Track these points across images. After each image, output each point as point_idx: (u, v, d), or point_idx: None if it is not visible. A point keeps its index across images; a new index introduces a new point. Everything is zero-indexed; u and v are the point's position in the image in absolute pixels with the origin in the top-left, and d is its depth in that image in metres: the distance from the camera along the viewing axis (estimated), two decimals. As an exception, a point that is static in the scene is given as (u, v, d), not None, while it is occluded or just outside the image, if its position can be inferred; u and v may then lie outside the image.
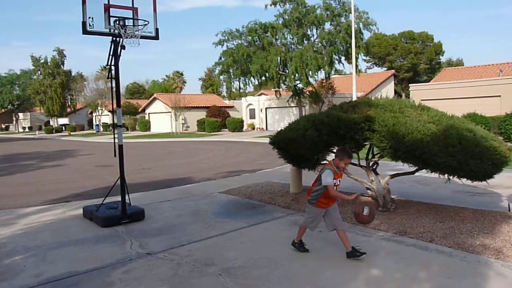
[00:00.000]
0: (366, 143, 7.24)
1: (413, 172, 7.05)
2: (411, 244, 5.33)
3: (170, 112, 42.39)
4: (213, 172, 13.31)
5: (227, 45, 31.82)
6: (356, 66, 27.71)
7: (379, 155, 7.10)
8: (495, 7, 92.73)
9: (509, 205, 7.02)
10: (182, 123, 44.94)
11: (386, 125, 6.17)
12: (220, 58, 32.20)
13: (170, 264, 4.92)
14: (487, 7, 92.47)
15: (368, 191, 7.38)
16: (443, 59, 57.05)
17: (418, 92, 28.26)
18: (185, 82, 77.36)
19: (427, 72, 53.86)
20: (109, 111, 50.77)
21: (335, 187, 4.81)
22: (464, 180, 6.40)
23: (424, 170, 6.61)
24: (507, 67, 31.52)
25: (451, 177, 6.31)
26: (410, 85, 31.76)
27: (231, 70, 31.90)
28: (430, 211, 6.82)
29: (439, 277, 4.29)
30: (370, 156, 7.42)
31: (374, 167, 7.39)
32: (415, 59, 52.12)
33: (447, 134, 5.86)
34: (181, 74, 77.25)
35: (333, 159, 4.93)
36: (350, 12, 28.74)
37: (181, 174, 13.23)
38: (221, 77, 33.04)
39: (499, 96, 24.08)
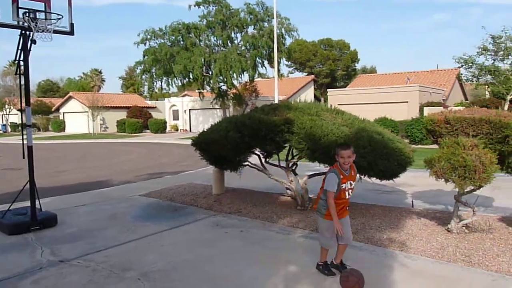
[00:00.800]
0: (286, 144, 7.49)
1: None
2: (326, 240, 5.61)
3: (87, 112, 40.21)
4: (133, 174, 12.88)
5: (149, 44, 31.01)
6: (278, 70, 28.54)
7: (298, 156, 7.38)
8: (404, 20, 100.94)
9: (412, 201, 7.68)
10: (101, 124, 42.86)
11: (304, 128, 6.44)
12: (143, 56, 31.27)
13: (85, 271, 4.69)
14: (398, 20, 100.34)
15: (288, 191, 7.65)
16: (358, 66, 60.76)
17: (336, 97, 29.81)
18: (104, 80, 73.79)
19: (344, 78, 56.97)
20: (18, 110, 46.72)
21: (346, 192, 4.16)
22: (374, 179, 6.90)
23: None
24: (413, 75, 34.44)
25: (362, 176, 6.76)
26: (328, 90, 33.40)
27: (153, 70, 31.11)
28: (344, 208, 7.23)
29: (351, 270, 4.57)
30: (289, 157, 7.70)
31: (293, 167, 7.67)
32: (333, 65, 54.91)
33: (358, 137, 6.27)
34: (100, 72, 73.54)
35: (337, 160, 4.23)
36: (273, 18, 29.53)
37: (99, 177, 12.62)
38: (143, 76, 32.09)
39: (407, 102, 26.21)
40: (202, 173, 12.42)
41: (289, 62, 57.41)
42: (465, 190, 5.66)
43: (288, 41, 32.57)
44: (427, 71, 36.58)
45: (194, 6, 30.71)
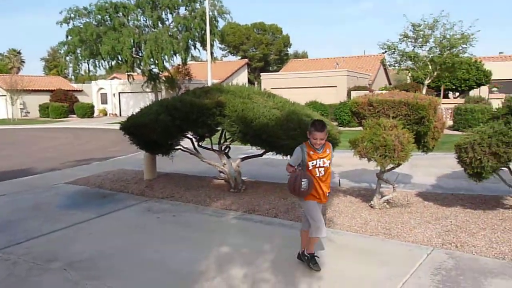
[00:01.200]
0: (218, 128, 7.48)
1: (261, 155, 7.55)
2: (258, 220, 5.75)
3: (5, 95, 37.09)
4: (58, 161, 12.16)
5: (73, 24, 29.08)
6: (212, 53, 28.18)
7: (230, 139, 7.41)
8: (334, 7, 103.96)
9: (339, 180, 8.07)
10: (21, 108, 39.76)
11: (236, 111, 6.46)
12: (67, 37, 29.28)
13: (4, 264, 4.40)
14: (328, 7, 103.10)
15: (221, 174, 7.68)
16: (290, 51, 61.80)
17: (269, 81, 30.18)
18: (23, 61, 68.24)
19: (277, 62, 57.71)
20: None
21: (316, 169, 4.00)
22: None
23: (271, 152, 7.16)
24: (342, 61, 35.76)
25: (293, 158, 6.96)
26: (261, 74, 33.69)
27: (78, 51, 29.29)
28: (276, 189, 7.44)
29: (282, 247, 4.73)
30: (222, 141, 7.71)
31: (226, 151, 7.70)
32: (266, 49, 55.35)
33: (289, 119, 6.42)
34: (18, 52, 67.87)
35: (308, 137, 4.10)
36: (205, -1, 28.97)
37: (20, 165, 11.77)
38: (67, 58, 30.13)
39: (336, 86, 27.21)
40: (133, 158, 12.05)
41: (223, 45, 56.95)
42: (386, 168, 6.07)
43: (221, 23, 32.31)
44: (355, 57, 38.17)
45: (122, -17, 29.22)
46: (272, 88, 27.11)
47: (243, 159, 7.63)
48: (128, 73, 32.80)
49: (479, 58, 24.58)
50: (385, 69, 36.06)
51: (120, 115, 38.51)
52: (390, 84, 35.23)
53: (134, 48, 29.15)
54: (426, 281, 3.79)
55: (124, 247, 4.84)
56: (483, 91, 26.53)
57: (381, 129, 5.40)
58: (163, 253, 4.66)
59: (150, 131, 6.87)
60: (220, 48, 57.46)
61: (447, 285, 3.71)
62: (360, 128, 6.24)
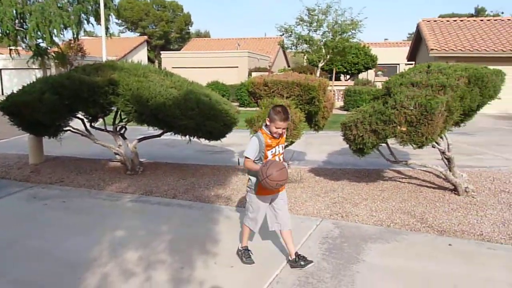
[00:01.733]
0: (112, 107, 7.12)
1: (159, 135, 7.37)
2: (156, 202, 5.64)
3: None
4: None
5: None
6: (107, 28, 26.44)
7: (126, 119, 7.10)
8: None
9: (238, 160, 8.24)
10: None
11: (131, 89, 6.19)
12: None
13: None
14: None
15: (117, 156, 7.35)
16: (192, 30, 60.59)
17: (170, 60, 29.37)
18: None
19: (178, 41, 56.25)
20: None
21: (276, 157, 3.63)
22: (203, 140, 7.14)
23: (169, 132, 7.02)
24: (243, 42, 36.11)
25: (192, 138, 6.92)
26: (162, 52, 32.64)
27: None
28: (175, 170, 7.35)
29: (180, 227, 4.72)
30: (117, 121, 7.35)
31: (121, 131, 7.38)
32: (167, 27, 53.55)
33: (187, 98, 6.34)
34: None
35: (265, 124, 3.68)
36: (98, -31, 26.88)
37: None
38: None
39: (237, 67, 27.47)
40: (16, 141, 10.94)
41: (120, 21, 53.84)
42: (281, 146, 6.32)
43: (117, -3, 30.34)
44: (256, 38, 38.80)
45: None
46: (173, 67, 26.48)
47: (140, 140, 7.38)
48: (11, 48, 29.39)
49: (367, 43, 26.64)
50: (284, 52, 37.27)
51: (2, 93, 34.53)
52: (289, 66, 36.57)
53: (17, 20, 26.13)
54: (315, 250, 4.08)
55: (7, 238, 4.42)
56: (370, 74, 28.94)
57: (275, 109, 5.60)
58: (51, 241, 4.35)
59: (33, 111, 6.27)
60: (117, 23, 54.36)
61: (333, 252, 4.04)
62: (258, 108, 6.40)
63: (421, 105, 4.80)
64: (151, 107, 6.10)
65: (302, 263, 3.67)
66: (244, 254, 3.84)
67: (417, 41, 23.29)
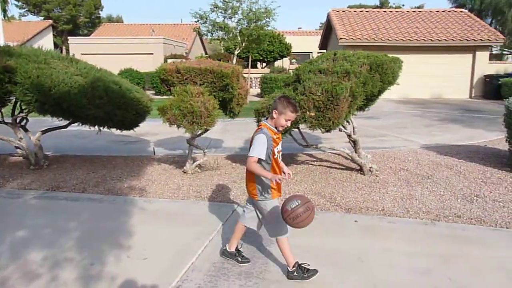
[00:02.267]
0: (10, 97, 6.54)
1: (65, 126, 6.92)
2: (63, 197, 5.31)
3: None
4: None
5: None
6: (5, 11, 23.97)
7: (26, 110, 6.55)
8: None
9: (154, 149, 8.03)
10: None
11: (30, 77, 5.71)
12: None
13: None
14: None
15: (18, 150, 6.77)
16: (103, 14, 57.23)
17: (78, 46, 27.54)
18: None
19: (87, 26, 52.83)
20: None
21: (279, 154, 3.32)
22: (115, 130, 6.84)
23: (76, 123, 6.62)
24: (158, 28, 34.97)
25: (102, 128, 6.59)
26: (69, 38, 30.49)
27: None
28: (85, 163, 6.97)
29: (90, 223, 4.50)
30: (17, 112, 6.76)
31: (22, 123, 6.81)
32: (74, 11, 49.96)
33: (94, 86, 6.01)
34: None
35: (267, 117, 3.33)
36: None
37: None
38: None
39: (152, 54, 26.57)
40: None
41: (20, 3, 49.18)
42: (197, 134, 6.29)
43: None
44: (171, 25, 37.78)
45: None
46: (82, 54, 24.89)
47: (44, 131, 6.85)
48: None
49: (282, 32, 27.25)
50: (201, 39, 36.82)
51: None
52: (206, 53, 36.24)
53: None
54: (230, 235, 4.13)
55: None
56: (286, 62, 29.73)
57: (188, 96, 5.53)
58: None
59: None
60: (17, 6, 49.68)
61: (249, 235, 4.12)
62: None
63: (328, 91, 5.03)
64: (54, 96, 5.69)
65: (306, 275, 3.29)
66: (239, 255, 3.58)
67: (327, 30, 24.36)
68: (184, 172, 6.32)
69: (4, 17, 23.12)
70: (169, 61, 22.55)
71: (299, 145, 6.34)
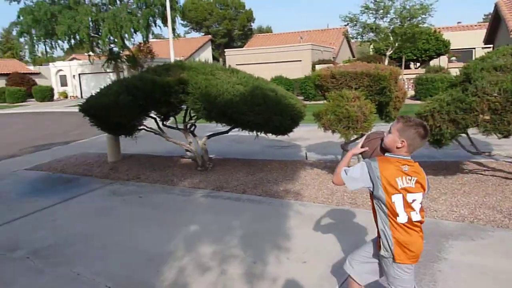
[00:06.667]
0: (183, 106, 7.35)
1: (227, 131, 7.49)
2: (226, 197, 5.74)
3: (-45, 81, 35.01)
4: (18, 147, 11.67)
5: (24, 2, 27.54)
6: (174, 30, 27.43)
7: (195, 117, 7.29)
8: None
9: (306, 154, 8.15)
10: (-26, 94, 37.69)
11: (199, 87, 6.34)
12: (18, 17, 27.71)
13: (-38, 257, 4.21)
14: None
15: (187, 152, 7.59)
16: (254, 26, 61.07)
17: (233, 57, 29.82)
18: (-27, 44, 64.33)
19: (241, 38, 56.98)
20: None
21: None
22: (270, 135, 7.14)
23: (237, 128, 7.11)
24: (306, 35, 35.71)
25: (259, 133, 6.95)
26: (225, 50, 33.23)
27: (33, 31, 27.83)
28: (244, 166, 7.43)
29: (251, 222, 4.76)
30: (187, 119, 7.58)
31: (191, 129, 7.59)
32: (230, 25, 54.47)
33: (253, 94, 6.36)
34: (-33, 34, 63.81)
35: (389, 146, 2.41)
36: (164, -26, 27.93)
37: (-26, 153, 11.21)
38: (21, 39, 28.63)
39: (300, 60, 27.21)
40: (96, 141, 11.72)
41: (185, 22, 55.62)
42: (350, 139, 6.14)
43: (182, -1, 31.40)
44: (318, 30, 38.16)
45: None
46: (237, 64, 26.85)
47: (209, 136, 7.54)
48: (88, 54, 31.58)
49: (438, 28, 25.09)
50: (348, 42, 36.31)
51: (82, 97, 37.20)
52: (354, 57, 35.59)
53: (92, 27, 27.99)
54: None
55: (90, 232, 4.73)
56: (443, 60, 27.23)
57: (343, 101, 5.44)
58: (130, 235, 4.58)
59: (110, 112, 6.65)
60: (182, 24, 56.17)
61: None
62: (325, 101, 6.27)
63: (507, 91, 4.39)
64: (219, 104, 6.20)
65: None
66: None
67: (495, 22, 21.54)
68: (338, 178, 6.23)
69: (173, 35, 26.44)
70: (317, 67, 22.77)
71: (468, 152, 5.69)
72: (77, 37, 27.99)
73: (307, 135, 10.04)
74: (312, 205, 5.24)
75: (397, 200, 2.32)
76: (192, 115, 7.49)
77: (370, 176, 2.36)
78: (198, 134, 7.68)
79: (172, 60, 22.55)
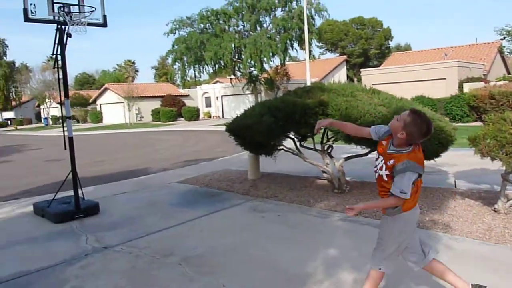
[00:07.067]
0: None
1: (366, 154, 7.25)
2: (365, 223, 5.52)
3: (123, 102, 41.14)
4: (170, 162, 13.11)
5: (179, 33, 31.21)
6: (310, 51, 28.02)
7: (333, 138, 7.25)
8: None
9: (455, 181, 7.41)
10: (136, 114, 43.77)
11: (339, 109, 6.30)
12: (173, 46, 31.53)
13: (128, 257, 4.81)
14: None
15: (324, 174, 7.55)
16: (392, 44, 58.97)
17: (369, 77, 29.09)
18: (137, 71, 75.13)
19: (377, 57, 55.47)
20: (58, 103, 48.45)
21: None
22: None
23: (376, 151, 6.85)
24: (451, 51, 33.05)
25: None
26: (361, 70, 32.64)
27: (185, 58, 31.32)
28: (383, 190, 7.08)
29: (393, 253, 4.47)
30: (324, 140, 7.58)
31: (329, 150, 7.55)
32: (366, 44, 53.52)
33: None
34: (133, 63, 74.89)
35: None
36: (302, -2, 28.92)
37: (136, 165, 12.93)
38: (175, 65, 32.42)
39: (445, 79, 25.22)
40: (236, 158, 12.48)
41: (320, 43, 56.45)
42: (514, 168, 5.39)
43: (318, 21, 32.07)
44: (465, 46, 34.96)
45: (221, -8, 30.55)
46: (373, 84, 26.03)
47: (346, 158, 7.41)
48: (230, 77, 34.17)
49: None
50: (502, 57, 32.49)
51: (223, 117, 40.31)
52: (509, 73, 31.62)
53: (234, 53, 30.28)
54: None
55: (233, 245, 4.99)
56: None
57: (507, 125, 4.82)
58: (270, 252, 4.70)
59: (254, 133, 7.01)
60: (318, 46, 57.09)
61: None
62: (477, 123, 5.65)
63: None
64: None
65: None
66: None
67: None
68: (495, 211, 5.51)
69: (309, 57, 27.00)
70: (465, 85, 20.80)
71: None
72: (221, 62, 30.56)
73: (454, 160, 9.16)
74: (465, 240, 4.70)
75: None
76: (329, 136, 7.47)
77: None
78: (334, 156, 7.61)
79: (308, 81, 23.00)
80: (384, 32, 54.72)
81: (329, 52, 58.73)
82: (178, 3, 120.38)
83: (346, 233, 5.24)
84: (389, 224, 3.08)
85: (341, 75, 42.76)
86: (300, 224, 5.73)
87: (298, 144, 7.77)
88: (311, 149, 7.66)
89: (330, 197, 6.91)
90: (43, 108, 52.89)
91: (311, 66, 25.31)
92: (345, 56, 48.70)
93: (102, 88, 49.62)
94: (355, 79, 47.39)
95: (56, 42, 6.49)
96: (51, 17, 6.33)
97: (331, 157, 7.54)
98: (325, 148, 7.50)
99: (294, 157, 7.89)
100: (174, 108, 40.41)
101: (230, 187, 8.21)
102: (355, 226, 5.44)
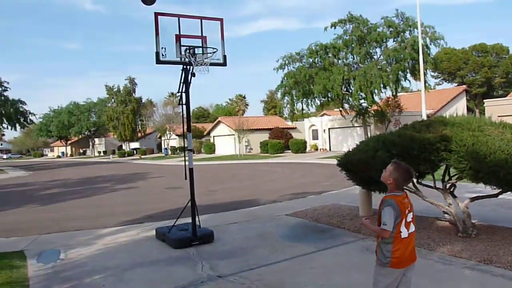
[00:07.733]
0: (441, 164, 6.85)
1: (496, 195, 6.51)
2: (498, 274, 4.87)
3: (234, 134, 43.26)
4: (278, 194, 13.25)
5: (288, 69, 32.23)
6: (425, 82, 26.61)
7: (457, 176, 6.65)
8: None
9: None
10: (246, 145, 45.59)
11: (465, 145, 5.79)
12: (282, 80, 32.59)
13: (241, 288, 4.89)
14: None
15: (446, 215, 6.93)
16: (521, 71, 53.20)
17: (494, 108, 26.51)
18: (247, 104, 78.97)
19: (502, 86, 50.43)
20: (177, 135, 52.94)
21: (411, 224, 3.34)
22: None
23: (509, 192, 6.10)
24: None
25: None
26: (484, 100, 29.95)
27: (293, 92, 32.10)
28: (518, 237, 6.23)
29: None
30: (446, 178, 6.99)
31: (451, 189, 6.94)
32: (489, 73, 49.10)
33: (536, 154, 5.37)
34: (244, 97, 78.98)
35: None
36: (415, 27, 27.90)
37: (246, 196, 13.32)
38: (285, 99, 33.34)
39: None
40: (345, 193, 12.13)
41: (436, 73, 53.36)
42: None
43: (434, 50, 30.41)
44: None
45: (331, 27, 30.94)
46: (498, 116, 23.57)
47: (472, 199, 6.71)
48: (340, 109, 33.95)
49: None
50: None
51: (330, 149, 39.92)
52: None
53: (343, 85, 30.13)
54: None
55: (346, 286, 4.78)
56: None
57: None
58: (387, 298, 4.38)
59: (367, 168, 6.77)
60: (433, 76, 54.10)
61: None
62: None
63: None
64: (489, 164, 5.48)
65: None
66: None
67: None
68: None
69: (425, 88, 25.59)
70: None
71: None
72: (330, 94, 30.60)
73: None
74: None
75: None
76: (452, 174, 6.88)
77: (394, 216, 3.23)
78: (457, 195, 6.95)
79: (424, 113, 21.73)
80: (510, 59, 49.74)
81: (446, 82, 55.15)
82: (287, 40, 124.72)
83: (475, 284, 4.69)
84: (376, 271, 3.45)
85: (459, 106, 39.63)
86: (420, 269, 5.23)
87: (415, 181, 7.28)
88: (430, 187, 7.11)
89: (454, 242, 6.28)
90: (164, 140, 58.07)
91: (426, 97, 23.94)
92: (464, 86, 45.22)
93: (216, 121, 52.91)
94: (477, 111, 43.58)
95: (182, 81, 7.12)
96: (178, 59, 6.99)
97: (454, 196, 6.91)
98: (447, 186, 6.91)
99: (410, 195, 7.36)
100: (281, 140, 41.23)
101: (340, 223, 7.96)
102: (486, 277, 4.83)
